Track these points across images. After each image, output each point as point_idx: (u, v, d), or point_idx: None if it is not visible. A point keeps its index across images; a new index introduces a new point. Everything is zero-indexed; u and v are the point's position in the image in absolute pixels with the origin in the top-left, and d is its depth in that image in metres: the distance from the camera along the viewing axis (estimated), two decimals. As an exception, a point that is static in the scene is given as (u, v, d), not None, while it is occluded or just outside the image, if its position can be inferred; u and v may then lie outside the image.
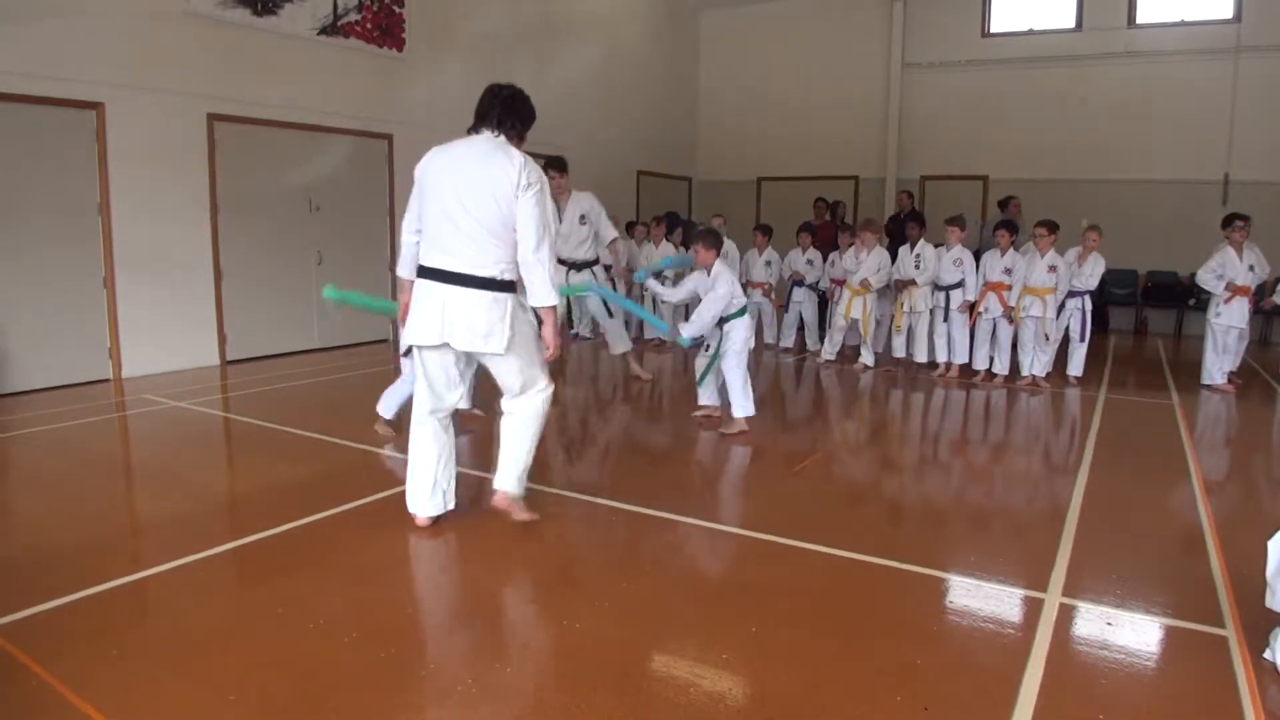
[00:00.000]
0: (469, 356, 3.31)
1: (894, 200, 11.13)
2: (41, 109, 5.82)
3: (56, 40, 5.81)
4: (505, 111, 3.13)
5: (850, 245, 7.69)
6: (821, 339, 8.12)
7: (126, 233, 6.33)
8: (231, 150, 7.02)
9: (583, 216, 6.13)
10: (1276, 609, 2.30)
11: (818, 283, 8.28)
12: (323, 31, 7.64)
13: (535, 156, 3.24)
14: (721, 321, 5.00)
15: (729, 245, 8.45)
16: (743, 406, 5.04)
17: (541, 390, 3.28)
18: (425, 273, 3.11)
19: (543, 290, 3.06)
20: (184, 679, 2.21)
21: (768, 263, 8.36)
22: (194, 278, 6.89)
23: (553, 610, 2.70)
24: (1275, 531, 2.33)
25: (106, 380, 6.32)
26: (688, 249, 8.68)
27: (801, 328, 8.52)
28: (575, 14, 10.88)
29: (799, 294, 8.36)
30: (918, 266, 7.19)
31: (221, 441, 5.02)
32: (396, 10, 8.29)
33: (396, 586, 2.85)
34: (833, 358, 7.75)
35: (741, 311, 5.02)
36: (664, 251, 8.33)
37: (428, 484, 3.30)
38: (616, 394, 6.59)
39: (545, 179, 3.12)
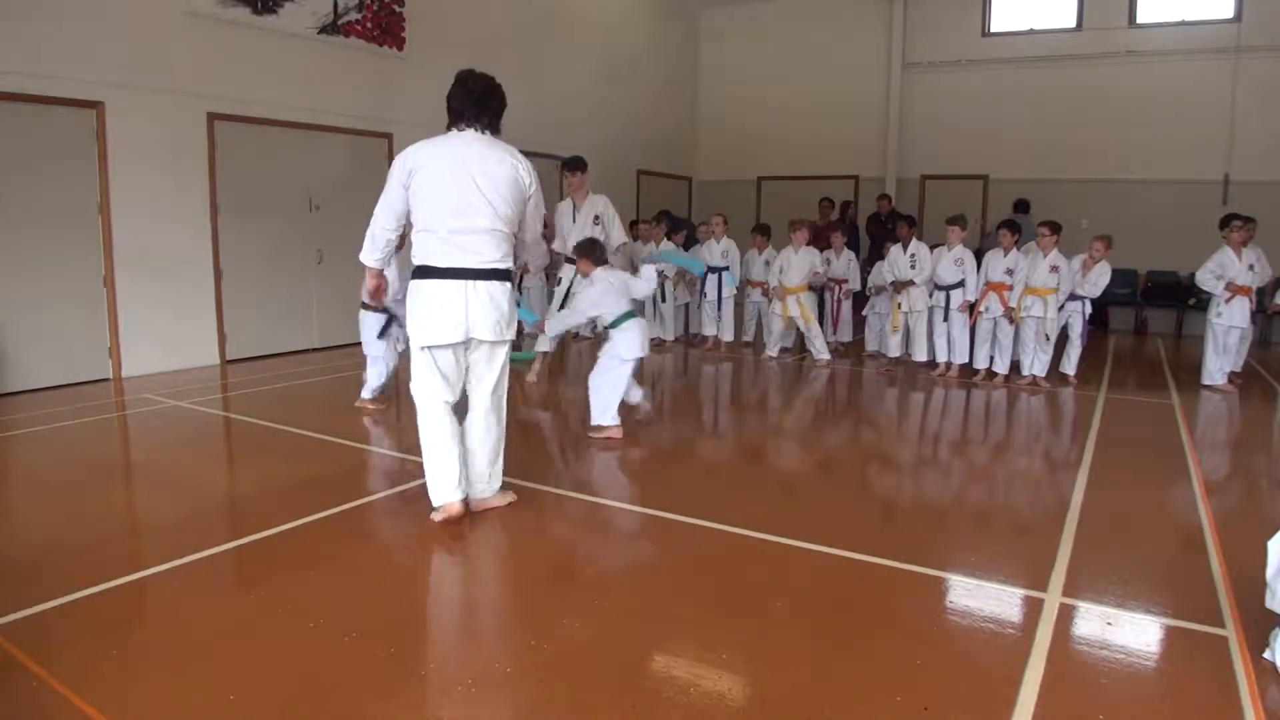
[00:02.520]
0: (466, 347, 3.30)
1: (874, 202, 11.18)
2: (41, 109, 5.82)
3: (56, 40, 5.81)
4: (483, 109, 3.23)
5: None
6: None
7: (126, 232, 6.33)
8: (231, 150, 7.02)
9: (596, 217, 6.30)
10: (1276, 609, 2.30)
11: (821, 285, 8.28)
12: (323, 31, 7.63)
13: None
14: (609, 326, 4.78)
15: (728, 244, 8.49)
16: (600, 414, 4.76)
17: (507, 378, 3.44)
18: (438, 272, 3.14)
19: (543, 258, 3.88)
20: (184, 679, 2.21)
21: (767, 262, 8.35)
22: (194, 277, 6.89)
23: (553, 610, 2.70)
24: (1275, 532, 2.33)
25: (106, 380, 6.32)
26: (687, 248, 8.76)
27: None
28: (575, 14, 10.88)
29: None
30: (913, 266, 7.21)
31: (221, 441, 5.02)
32: (396, 10, 8.29)
33: (396, 586, 2.85)
34: (774, 354, 7.94)
35: (620, 319, 4.70)
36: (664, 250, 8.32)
37: (453, 471, 3.28)
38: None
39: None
